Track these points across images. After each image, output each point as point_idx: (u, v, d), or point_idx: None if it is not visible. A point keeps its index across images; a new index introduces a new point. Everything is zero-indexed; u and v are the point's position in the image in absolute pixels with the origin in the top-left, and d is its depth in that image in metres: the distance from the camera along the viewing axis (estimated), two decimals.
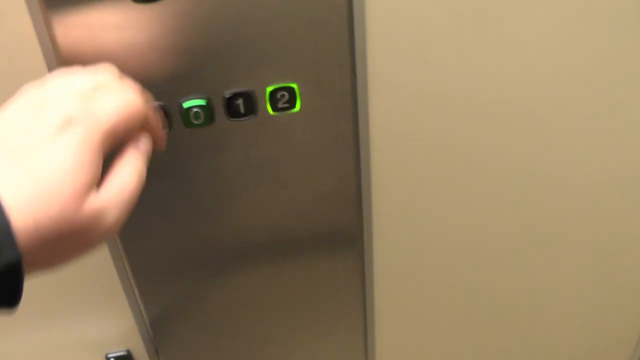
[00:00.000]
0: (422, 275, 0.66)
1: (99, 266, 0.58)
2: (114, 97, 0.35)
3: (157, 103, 0.47)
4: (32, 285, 0.58)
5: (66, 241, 0.32)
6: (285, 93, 0.49)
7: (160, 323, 0.63)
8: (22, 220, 0.29)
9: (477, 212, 0.62)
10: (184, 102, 0.48)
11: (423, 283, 0.67)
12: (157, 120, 0.39)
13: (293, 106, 0.50)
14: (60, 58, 0.45)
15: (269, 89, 0.49)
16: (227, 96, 0.48)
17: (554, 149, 0.58)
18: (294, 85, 0.49)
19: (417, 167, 0.57)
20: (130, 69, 0.46)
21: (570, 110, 0.56)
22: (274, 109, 0.50)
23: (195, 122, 0.49)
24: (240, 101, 0.49)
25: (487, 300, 0.70)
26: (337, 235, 0.59)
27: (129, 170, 0.35)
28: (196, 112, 0.48)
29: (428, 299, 0.68)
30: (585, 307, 0.73)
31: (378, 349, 0.71)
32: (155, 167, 0.51)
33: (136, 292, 0.60)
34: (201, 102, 0.48)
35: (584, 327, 0.75)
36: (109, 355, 0.65)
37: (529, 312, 0.72)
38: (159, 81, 0.47)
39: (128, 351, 0.65)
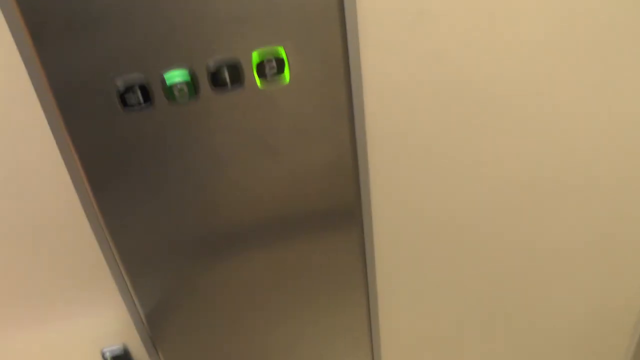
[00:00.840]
0: (423, 251, 0.64)
1: (89, 260, 0.56)
2: None
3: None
4: (23, 282, 0.55)
5: None
6: (274, 61, 0.47)
7: (156, 315, 0.60)
8: None
9: (477, 194, 0.60)
10: (165, 73, 0.45)
11: (425, 259, 0.65)
12: None
13: (281, 74, 0.47)
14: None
15: (255, 56, 0.46)
16: (212, 66, 0.46)
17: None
18: (282, 51, 0.46)
19: (416, 135, 0.55)
20: (108, 38, 0.43)
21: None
22: (262, 77, 0.47)
23: (179, 97, 0.46)
24: (225, 72, 0.46)
25: (490, 281, 0.69)
26: (335, 209, 0.57)
27: None
28: (180, 88, 0.45)
29: (430, 276, 0.67)
30: (586, 306, 0.73)
31: (382, 325, 0.70)
32: (139, 149, 0.49)
33: (129, 284, 0.58)
34: (184, 75, 0.45)
35: (584, 324, 0.75)
36: (104, 350, 0.62)
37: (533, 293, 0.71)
38: (139, 52, 0.44)
39: (124, 345, 0.63)
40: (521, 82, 0.53)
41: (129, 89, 0.45)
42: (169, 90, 0.46)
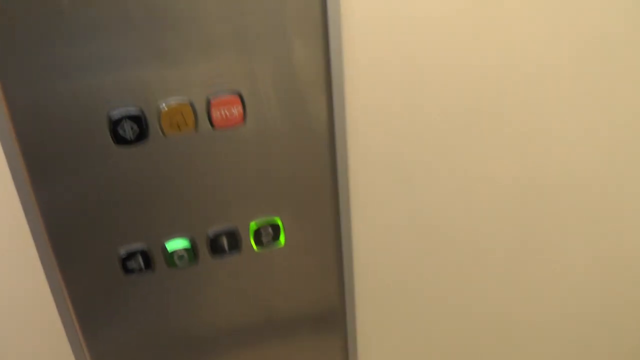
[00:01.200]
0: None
1: None
2: None
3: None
4: None
5: None
6: (270, 229, 0.49)
7: None
8: None
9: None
10: (166, 242, 0.47)
11: None
12: None
13: (277, 240, 0.50)
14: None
15: (253, 225, 0.49)
16: (211, 235, 0.48)
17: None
18: (278, 220, 0.49)
19: (400, 294, 0.57)
20: (109, 210, 0.45)
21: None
22: (258, 244, 0.50)
23: (179, 264, 0.48)
24: (224, 240, 0.48)
25: None
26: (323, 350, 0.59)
27: None
28: (180, 255, 0.48)
29: None
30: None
31: None
32: (136, 306, 0.50)
33: None
34: (185, 243, 0.47)
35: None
36: None
37: None
38: (141, 222, 0.46)
39: None
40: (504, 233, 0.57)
41: (130, 255, 0.47)
42: (169, 257, 0.48)
